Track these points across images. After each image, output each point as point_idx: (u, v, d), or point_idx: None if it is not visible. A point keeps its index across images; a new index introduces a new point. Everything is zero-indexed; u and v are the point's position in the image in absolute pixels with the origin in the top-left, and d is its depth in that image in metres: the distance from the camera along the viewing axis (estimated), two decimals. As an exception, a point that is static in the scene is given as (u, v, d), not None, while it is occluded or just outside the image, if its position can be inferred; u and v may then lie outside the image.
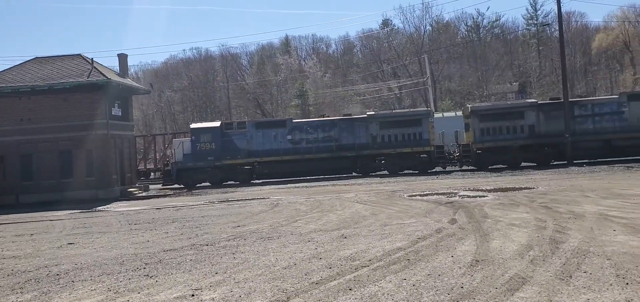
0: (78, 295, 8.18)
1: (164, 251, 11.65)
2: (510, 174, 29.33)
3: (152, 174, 44.29)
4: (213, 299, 7.45)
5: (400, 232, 11.93)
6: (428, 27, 78.72)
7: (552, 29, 72.45)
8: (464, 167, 35.05)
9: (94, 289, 8.48)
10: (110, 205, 26.72)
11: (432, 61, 67.24)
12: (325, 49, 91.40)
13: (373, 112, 38.75)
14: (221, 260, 10.18)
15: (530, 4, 77.73)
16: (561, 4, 35.28)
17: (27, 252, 12.94)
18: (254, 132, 35.63)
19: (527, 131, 33.63)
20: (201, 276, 8.91)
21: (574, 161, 32.67)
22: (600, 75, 71.68)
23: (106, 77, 32.55)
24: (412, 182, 27.79)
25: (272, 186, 31.54)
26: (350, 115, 37.93)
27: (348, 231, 12.59)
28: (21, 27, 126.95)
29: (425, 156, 34.65)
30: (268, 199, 22.93)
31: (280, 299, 7.20)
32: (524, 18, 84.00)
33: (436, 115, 41.25)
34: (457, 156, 35.54)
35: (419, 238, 10.96)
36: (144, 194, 33.68)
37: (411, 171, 34.63)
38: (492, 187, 21.43)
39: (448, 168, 35.48)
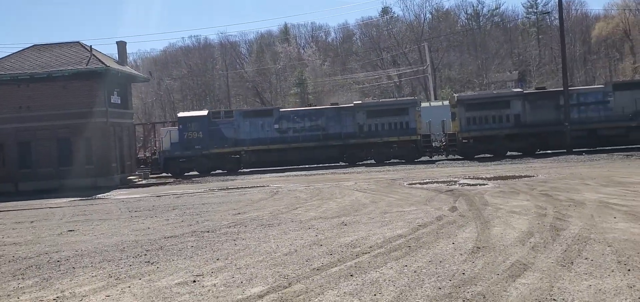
0: (79, 281, 8.19)
1: (165, 237, 11.65)
2: (510, 162, 29.34)
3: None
4: (214, 284, 7.45)
5: (401, 219, 11.93)
6: (428, 15, 78.60)
7: (552, 18, 72.29)
8: (450, 157, 35.17)
9: (95, 276, 8.48)
10: (110, 193, 26.72)
11: (432, 49, 67.08)
12: (324, 37, 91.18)
13: (360, 101, 38.79)
14: (222, 246, 10.18)
15: (530, -8, 77.48)
16: (561, -7, 35.19)
17: (28, 239, 12.94)
18: (241, 121, 35.67)
19: (513, 120, 33.68)
20: (202, 262, 8.91)
21: (573, 150, 32.70)
22: (599, 64, 71.57)
23: (105, 64, 32.44)
24: (411, 170, 27.80)
25: (271, 174, 31.56)
26: (337, 104, 37.99)
27: (348, 219, 12.60)
28: (19, 14, 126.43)
29: (412, 145, 34.76)
30: (268, 187, 22.94)
31: (282, 284, 7.20)
32: (523, 6, 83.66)
33: (423, 104, 41.32)
34: (443, 145, 35.72)
35: (419, 225, 10.97)
36: (143, 182, 33.69)
37: (398, 160, 34.75)
38: (492, 176, 21.44)
39: (434, 157, 35.61)
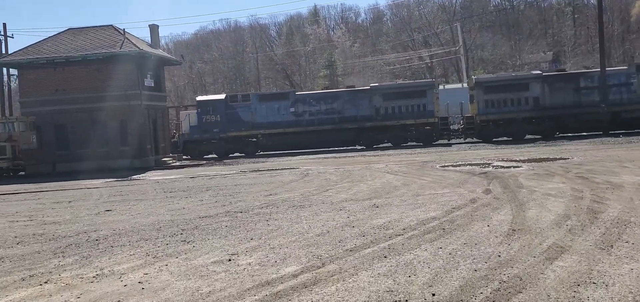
0: (117, 259, 8.38)
1: (200, 217, 11.83)
2: (544, 144, 28.83)
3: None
4: (249, 263, 7.54)
5: (434, 202, 11.85)
6: (460, -6, 77.16)
7: (589, -4, 70.21)
8: (468, 140, 34.77)
9: (133, 254, 8.66)
10: (145, 174, 27.20)
11: (464, 30, 66.02)
12: (354, 18, 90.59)
13: (376, 84, 38.59)
14: (255, 226, 10.29)
15: (567, -30, 75.38)
16: (600, -31, 34.22)
17: (67, 218, 13.28)
18: (257, 105, 35.97)
19: (531, 103, 33.18)
20: (237, 242, 9.02)
21: (609, 132, 31.95)
22: (638, 44, 69.37)
23: (138, 47, 32.89)
24: (443, 153, 27.56)
25: (301, 157, 31.67)
26: (353, 87, 37.83)
27: (380, 201, 12.57)
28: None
29: (428, 127, 34.40)
30: (298, 169, 23.03)
31: (316, 264, 7.24)
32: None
33: (441, 86, 40.94)
34: (461, 127, 35.33)
35: (453, 208, 10.87)
36: (177, 163, 34.21)
37: (415, 143, 34.45)
38: (525, 158, 21.10)
39: (452, 140, 35.25)
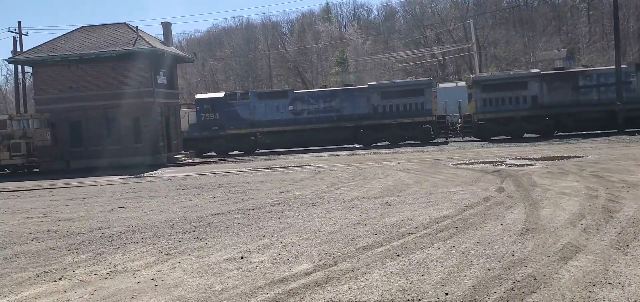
0: (131, 256, 8.43)
1: (212, 214, 11.87)
2: (557, 142, 28.58)
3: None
4: (262, 261, 7.55)
5: (447, 200, 11.79)
6: (473, -9, 76.58)
7: (604, -8, 69.42)
8: (466, 139, 34.75)
9: (146, 251, 8.71)
10: (158, 171, 27.35)
11: (478, 26, 65.58)
12: (366, 15, 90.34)
13: (374, 82, 38.62)
14: (268, 224, 10.30)
15: (581, -34, 74.55)
16: (615, -35, 33.87)
17: (80, 215, 13.39)
18: (256, 103, 36.14)
19: (530, 102, 33.08)
20: (249, 239, 9.04)
21: (625, 130, 31.60)
22: (654, 41, 68.45)
23: (151, 45, 33.04)
24: (456, 150, 27.42)
25: (313, 154, 31.68)
26: (351, 85, 37.88)
27: (392, 199, 12.53)
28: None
29: (427, 126, 34.40)
30: (310, 167, 23.03)
31: (328, 263, 7.23)
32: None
33: (440, 85, 41.02)
34: (459, 126, 35.30)
35: (466, 206, 10.81)
36: (189, 160, 34.35)
37: (412, 142, 34.50)
38: (539, 156, 20.93)
39: (450, 139, 35.27)
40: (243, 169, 24.21)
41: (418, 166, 19.89)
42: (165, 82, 35.19)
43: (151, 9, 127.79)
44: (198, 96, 38.97)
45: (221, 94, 38.23)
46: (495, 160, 20.34)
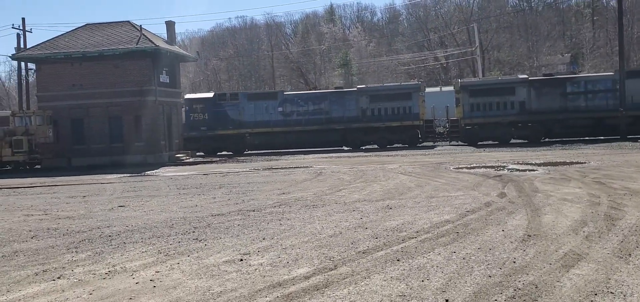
0: (130, 256, 8.39)
1: (212, 215, 11.83)
2: (560, 147, 28.51)
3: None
4: (261, 264, 7.50)
5: (448, 204, 11.74)
6: (477, -5, 76.51)
7: (609, -2, 69.31)
8: (453, 143, 34.96)
9: (145, 251, 8.67)
10: (159, 170, 27.34)
11: (481, 30, 65.50)
12: (370, 17, 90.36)
13: (363, 85, 38.66)
14: (268, 226, 10.26)
15: (586, -28, 74.44)
16: (620, -29, 33.86)
17: (80, 213, 13.36)
18: (246, 104, 36.22)
19: (517, 107, 33.19)
20: (249, 241, 9.00)
21: (627, 136, 31.54)
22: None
23: (154, 44, 33.05)
24: (458, 154, 27.36)
25: (315, 155, 31.63)
26: (341, 88, 37.97)
27: (393, 202, 12.48)
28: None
29: (414, 130, 34.49)
30: (311, 168, 22.99)
31: (328, 267, 7.19)
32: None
33: (428, 89, 41.25)
34: (446, 130, 35.43)
35: (467, 211, 10.76)
36: (190, 160, 34.34)
37: (400, 145, 34.64)
38: (541, 161, 20.87)
39: (437, 143, 35.52)
40: (244, 170, 24.19)
41: (419, 170, 19.83)
42: (168, 81, 35.20)
43: (155, 8, 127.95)
44: (187, 96, 39.05)
45: (210, 95, 38.39)
46: (497, 165, 20.28)
